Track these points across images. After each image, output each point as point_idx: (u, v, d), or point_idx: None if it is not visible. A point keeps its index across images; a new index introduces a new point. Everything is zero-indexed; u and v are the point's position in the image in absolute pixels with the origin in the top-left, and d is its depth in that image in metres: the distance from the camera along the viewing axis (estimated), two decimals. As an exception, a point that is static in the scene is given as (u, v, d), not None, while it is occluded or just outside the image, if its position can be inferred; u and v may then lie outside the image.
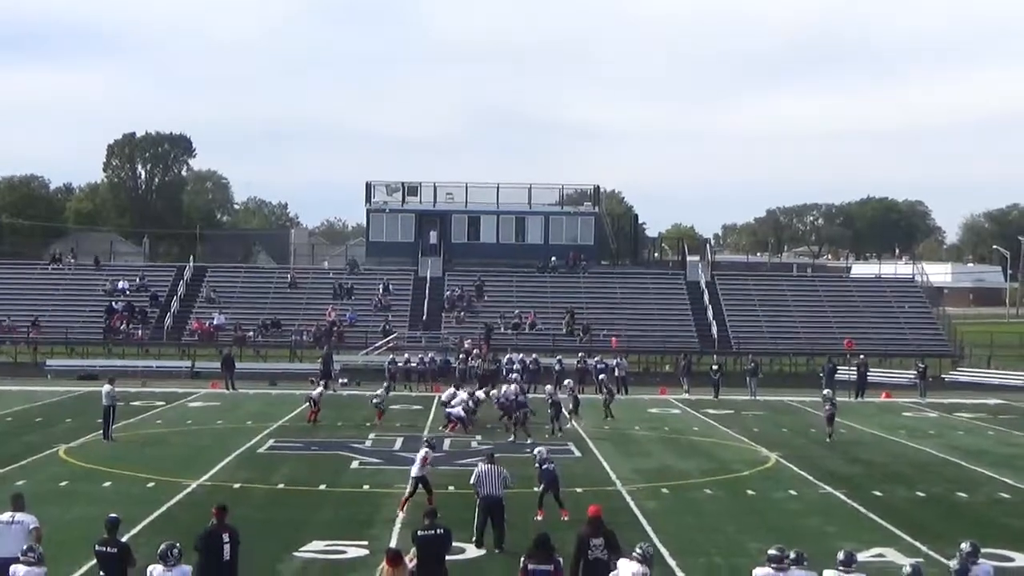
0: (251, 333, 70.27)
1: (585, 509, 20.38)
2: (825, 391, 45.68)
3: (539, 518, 26.26)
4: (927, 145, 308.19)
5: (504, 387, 46.08)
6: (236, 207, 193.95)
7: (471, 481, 25.47)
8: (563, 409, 44.31)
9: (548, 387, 47.67)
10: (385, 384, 50.38)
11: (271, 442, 40.32)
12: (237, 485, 31.56)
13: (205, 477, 32.62)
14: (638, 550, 17.16)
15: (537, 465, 27.40)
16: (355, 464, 35.77)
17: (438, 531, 19.40)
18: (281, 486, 31.68)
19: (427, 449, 28.01)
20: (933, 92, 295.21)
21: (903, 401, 58.65)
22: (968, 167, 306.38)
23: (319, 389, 47.00)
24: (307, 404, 46.43)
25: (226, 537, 18.12)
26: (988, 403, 58.84)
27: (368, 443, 40.33)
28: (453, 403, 44.48)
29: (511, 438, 41.02)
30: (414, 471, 27.31)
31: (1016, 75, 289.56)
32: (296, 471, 34.19)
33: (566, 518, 26.06)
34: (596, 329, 70.70)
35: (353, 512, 28.13)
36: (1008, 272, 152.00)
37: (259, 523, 26.08)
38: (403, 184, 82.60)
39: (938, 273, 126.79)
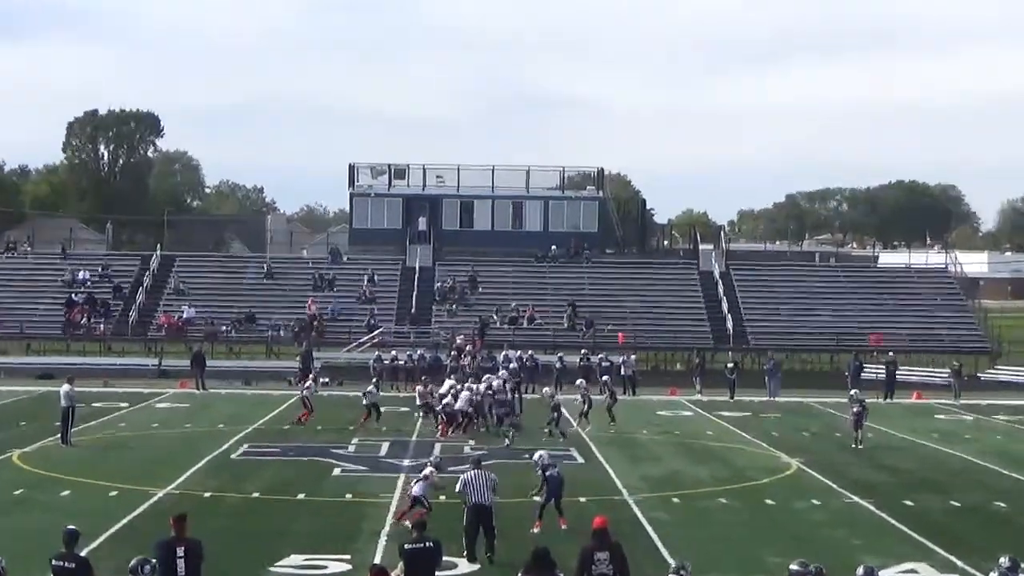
0: (224, 328, 70.18)
1: (588, 520, 20.30)
2: (852, 391, 45.54)
3: (536, 531, 26.17)
4: (961, 124, 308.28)
5: (491, 380, 45.86)
6: (207, 191, 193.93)
7: (456, 489, 25.40)
8: (562, 410, 44.11)
9: (547, 389, 47.56)
10: (374, 381, 49.93)
11: (245, 447, 40.24)
12: (208, 494, 31.48)
13: (173, 485, 32.52)
14: (674, 563, 17.24)
15: (539, 471, 27.32)
16: (337, 471, 35.69)
17: (427, 544, 19.33)
18: (256, 495, 31.59)
19: (432, 469, 27.58)
20: (967, 66, 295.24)
21: (936, 402, 58.62)
22: (1006, 147, 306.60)
23: (309, 385, 46.82)
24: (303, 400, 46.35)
25: (180, 551, 17.87)
26: (1029, 405, 58.81)
27: (351, 448, 40.25)
28: (448, 396, 44.27)
29: (506, 442, 40.93)
30: (415, 490, 26.93)
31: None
32: (272, 479, 34.11)
33: (564, 527, 26.02)
34: (600, 324, 70.63)
35: (335, 523, 28.05)
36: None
37: (232, 535, 26.01)
38: (389, 166, 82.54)
39: (973, 263, 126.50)
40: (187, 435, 43.24)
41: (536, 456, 28.11)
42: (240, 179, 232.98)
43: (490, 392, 43.99)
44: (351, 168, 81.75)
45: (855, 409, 42.80)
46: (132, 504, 29.54)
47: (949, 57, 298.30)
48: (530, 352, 60.88)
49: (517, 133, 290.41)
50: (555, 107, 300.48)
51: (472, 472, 25.19)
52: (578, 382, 48.85)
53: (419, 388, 47.42)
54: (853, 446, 41.81)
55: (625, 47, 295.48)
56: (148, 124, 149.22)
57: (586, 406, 45.80)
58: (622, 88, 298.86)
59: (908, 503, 31.72)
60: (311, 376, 48.81)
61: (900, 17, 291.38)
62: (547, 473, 27.11)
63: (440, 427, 43.62)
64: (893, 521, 29.22)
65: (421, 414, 46.30)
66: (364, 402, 45.65)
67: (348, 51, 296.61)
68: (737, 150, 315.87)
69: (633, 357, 62.97)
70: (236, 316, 70.86)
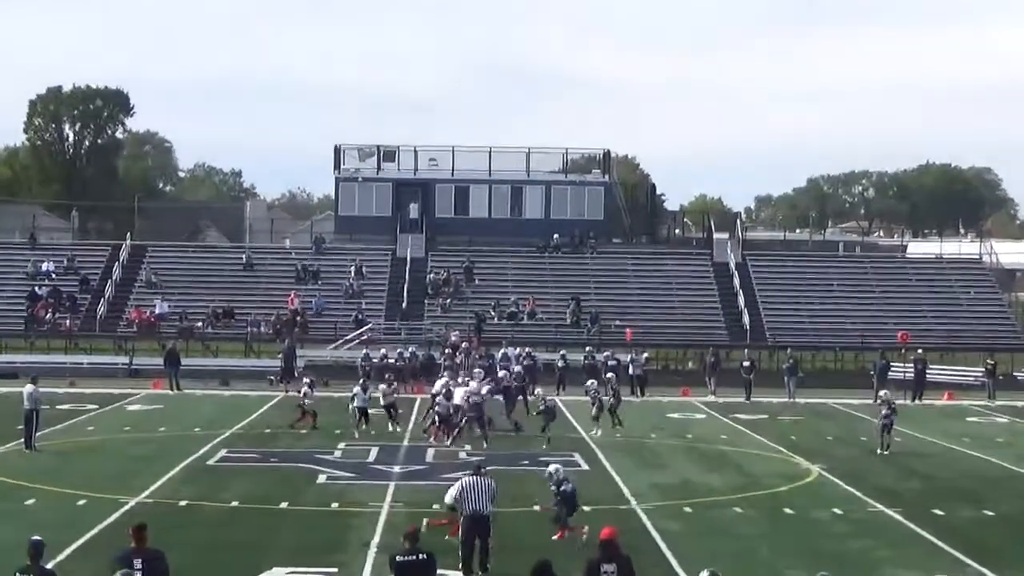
0: (199, 324, 70.25)
1: (592, 530, 20.42)
2: (881, 392, 45.57)
3: (557, 538, 26.49)
4: (997, 102, 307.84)
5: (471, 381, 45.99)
6: (181, 175, 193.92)
7: (449, 497, 25.53)
8: (555, 415, 44.17)
9: (539, 391, 47.38)
10: (361, 382, 48.80)
11: (223, 452, 40.36)
12: (183, 503, 31.59)
13: (145, 493, 32.62)
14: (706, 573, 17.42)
15: (553, 486, 27.41)
16: (322, 478, 35.80)
17: (420, 556, 19.39)
18: (235, 504, 31.72)
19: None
20: (1003, 42, 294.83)
21: (968, 404, 58.77)
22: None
23: (306, 391, 46.45)
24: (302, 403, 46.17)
25: (138, 563, 17.87)
26: (1069, 406, 58.98)
27: (337, 453, 40.39)
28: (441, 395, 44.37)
29: (486, 444, 41.09)
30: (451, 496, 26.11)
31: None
32: (253, 486, 34.22)
33: (557, 538, 26.23)
34: (606, 319, 70.77)
35: (320, 534, 28.16)
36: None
37: (209, 547, 26.12)
38: (378, 148, 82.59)
39: (1010, 252, 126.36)
40: (160, 439, 43.35)
41: (552, 469, 28.14)
42: (217, 162, 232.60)
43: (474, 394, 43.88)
44: (337, 150, 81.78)
45: (884, 412, 42.69)
46: (102, 514, 29.61)
47: (984, 32, 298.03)
48: (527, 350, 60.94)
49: (516, 111, 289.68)
50: (557, 83, 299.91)
51: (470, 479, 25.26)
52: (588, 383, 48.88)
53: (382, 387, 47.33)
54: (878, 452, 41.87)
55: (634, 18, 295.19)
56: (116, 102, 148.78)
57: (595, 408, 45.95)
58: (631, 63, 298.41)
59: (937, 512, 31.83)
60: (306, 382, 47.83)
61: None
62: (562, 488, 27.22)
63: (431, 429, 43.59)
64: (921, 531, 29.34)
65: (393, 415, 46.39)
66: (352, 407, 45.10)
67: (332, 21, 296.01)
68: (755, 131, 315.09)
69: (645, 355, 63.13)
70: (213, 311, 70.90)
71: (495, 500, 25.21)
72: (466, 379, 47.30)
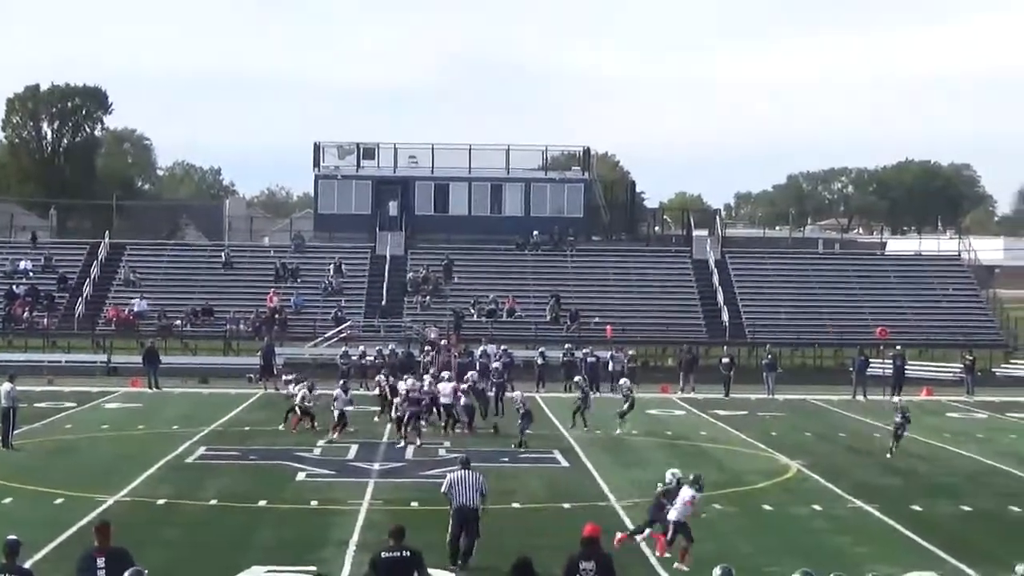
0: (178, 322, 70.08)
1: (573, 528, 20.37)
2: (895, 399, 44.59)
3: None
4: (975, 98, 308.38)
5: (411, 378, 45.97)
6: (160, 173, 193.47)
7: (442, 490, 25.53)
8: (531, 417, 43.98)
9: (516, 393, 46.66)
10: (342, 383, 46.93)
11: (202, 450, 40.32)
12: (162, 501, 31.55)
13: (123, 492, 32.57)
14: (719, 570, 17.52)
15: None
16: (301, 476, 35.79)
17: (404, 553, 19.29)
18: (214, 502, 31.68)
19: (694, 490, 26.35)
20: (981, 32, 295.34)
21: (947, 399, 58.89)
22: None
23: (303, 390, 45.21)
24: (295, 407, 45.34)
25: (101, 561, 17.79)
26: (1047, 402, 59.15)
27: (317, 451, 40.35)
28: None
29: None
30: (674, 514, 25.92)
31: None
32: (232, 484, 34.19)
33: (617, 546, 25.77)
34: (586, 317, 70.77)
35: (299, 533, 28.12)
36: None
37: (188, 546, 26.06)
38: (358, 145, 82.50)
39: (988, 249, 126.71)
40: (139, 438, 43.27)
41: (684, 477, 27.25)
42: (196, 160, 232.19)
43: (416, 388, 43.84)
44: (316, 148, 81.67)
45: (897, 419, 41.47)
46: (79, 512, 29.50)
47: (960, 26, 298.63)
48: (504, 347, 60.83)
49: (496, 107, 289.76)
50: (537, 79, 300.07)
51: (458, 473, 25.38)
52: (576, 379, 48.92)
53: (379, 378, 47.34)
54: (888, 456, 40.93)
55: (614, 14, 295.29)
56: (95, 100, 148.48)
57: (626, 405, 46.14)
58: (610, 59, 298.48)
59: (916, 508, 31.92)
60: (306, 384, 46.54)
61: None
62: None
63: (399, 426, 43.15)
64: (900, 527, 29.39)
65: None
66: (333, 409, 43.87)
67: (310, 15, 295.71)
68: (734, 128, 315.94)
69: (630, 353, 63.09)
70: (192, 309, 70.76)
71: (484, 494, 25.18)
72: (447, 376, 47.41)
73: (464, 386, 46.00)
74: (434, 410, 44.90)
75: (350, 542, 26.77)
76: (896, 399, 45.23)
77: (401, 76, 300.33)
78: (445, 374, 48.15)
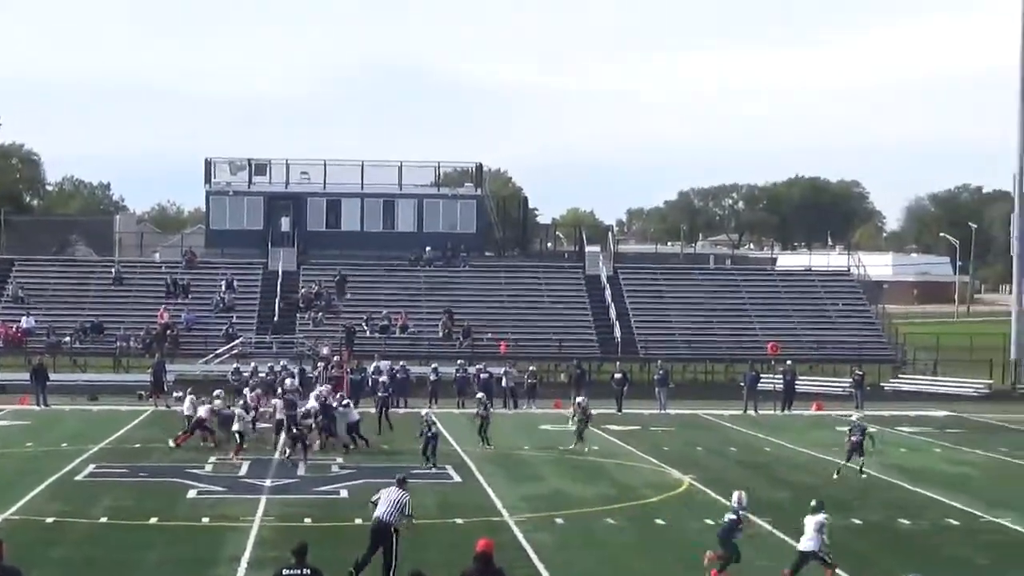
0: (67, 339, 69.44)
1: (465, 544, 20.38)
2: (853, 416, 43.65)
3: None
4: (863, 114, 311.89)
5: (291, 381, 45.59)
6: (49, 188, 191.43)
7: (371, 499, 25.53)
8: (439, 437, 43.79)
9: (425, 411, 45.99)
10: (241, 403, 45.91)
11: (91, 468, 39.88)
12: (50, 519, 31.19)
13: (11, 510, 32.18)
14: None
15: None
16: (192, 493, 35.49)
17: (306, 571, 19.21)
18: (104, 520, 31.35)
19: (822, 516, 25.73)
20: (866, 46, 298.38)
21: (836, 414, 59.23)
22: (911, 141, 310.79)
23: (240, 414, 43.85)
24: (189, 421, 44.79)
25: None
26: (934, 416, 59.86)
27: (208, 468, 40.03)
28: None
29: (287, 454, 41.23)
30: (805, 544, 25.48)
31: (967, 26, 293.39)
32: (122, 502, 33.85)
33: (708, 563, 25.56)
34: (479, 332, 70.87)
35: (191, 550, 27.93)
36: (957, 263, 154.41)
37: (77, 565, 25.80)
38: (249, 161, 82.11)
39: (877, 265, 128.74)
40: (27, 455, 42.78)
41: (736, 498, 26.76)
42: (85, 175, 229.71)
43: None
44: (207, 163, 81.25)
45: (854, 438, 40.71)
46: (-34, 531, 29.18)
47: (855, 33, 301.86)
48: (401, 363, 60.80)
49: (389, 122, 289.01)
50: (432, 91, 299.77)
51: (387, 488, 25.28)
52: (479, 395, 48.81)
53: (276, 401, 46.65)
54: (861, 474, 40.25)
55: (505, 25, 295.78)
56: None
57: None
58: (502, 69, 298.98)
59: (807, 521, 32.14)
60: (190, 391, 45.59)
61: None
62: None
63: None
64: (791, 541, 29.58)
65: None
66: (235, 429, 42.99)
67: (198, 23, 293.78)
68: (626, 143, 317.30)
69: (531, 368, 63.03)
70: (81, 326, 70.13)
71: (407, 513, 24.85)
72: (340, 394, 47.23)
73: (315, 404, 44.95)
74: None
75: (242, 559, 26.61)
76: (854, 416, 43.93)
77: (293, 90, 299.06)
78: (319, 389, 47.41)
